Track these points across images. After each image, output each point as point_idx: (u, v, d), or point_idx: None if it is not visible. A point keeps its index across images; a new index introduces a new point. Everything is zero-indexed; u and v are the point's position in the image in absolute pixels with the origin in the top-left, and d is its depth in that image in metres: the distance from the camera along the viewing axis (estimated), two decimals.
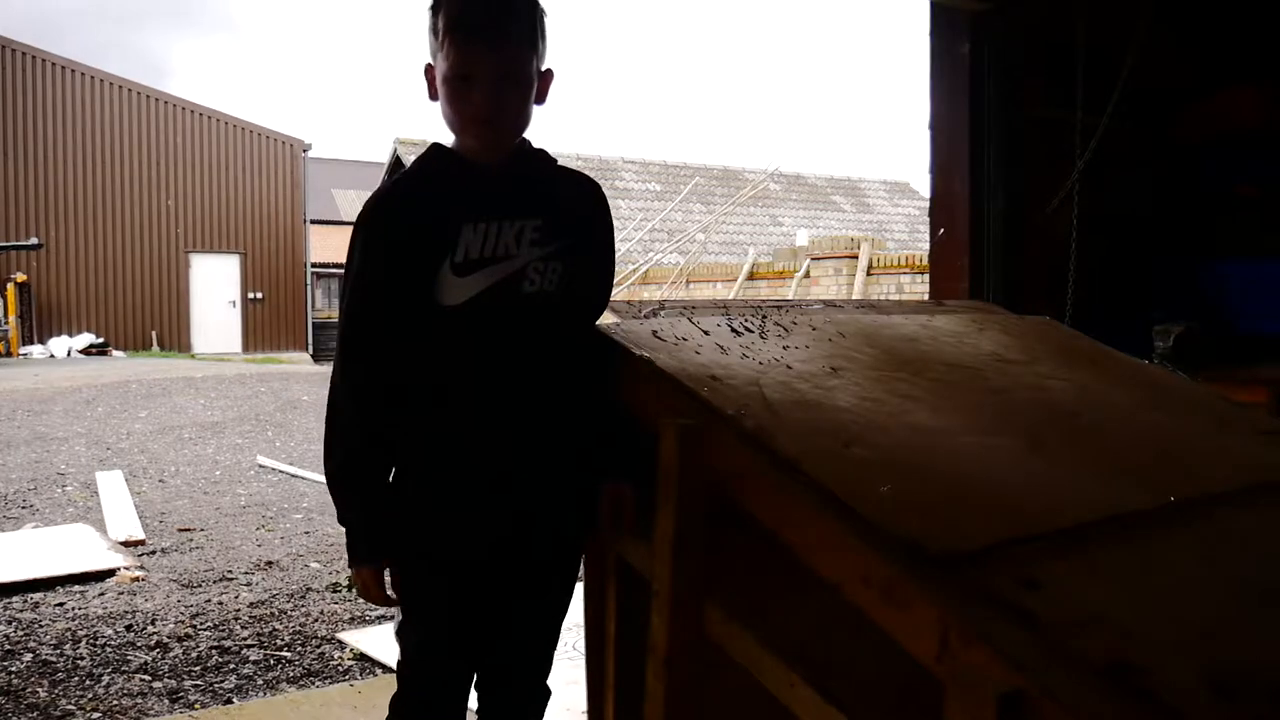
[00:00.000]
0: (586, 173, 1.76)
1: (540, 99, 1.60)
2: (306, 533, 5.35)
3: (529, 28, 1.55)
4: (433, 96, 1.59)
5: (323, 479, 1.67)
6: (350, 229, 1.66)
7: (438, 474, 1.58)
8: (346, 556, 1.64)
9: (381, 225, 1.56)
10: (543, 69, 1.59)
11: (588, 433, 1.67)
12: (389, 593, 1.63)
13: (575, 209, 1.66)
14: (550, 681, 1.79)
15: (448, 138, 1.63)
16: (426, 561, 1.61)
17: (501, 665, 1.74)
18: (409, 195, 1.59)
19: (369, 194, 1.68)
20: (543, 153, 1.66)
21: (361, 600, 4.09)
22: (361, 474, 1.58)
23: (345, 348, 1.58)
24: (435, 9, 1.55)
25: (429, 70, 1.59)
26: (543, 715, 1.79)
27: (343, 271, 1.63)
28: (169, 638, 3.62)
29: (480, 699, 1.76)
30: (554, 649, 1.79)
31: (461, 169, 1.59)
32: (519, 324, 1.58)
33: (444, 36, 1.52)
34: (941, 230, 3.75)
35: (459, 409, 1.58)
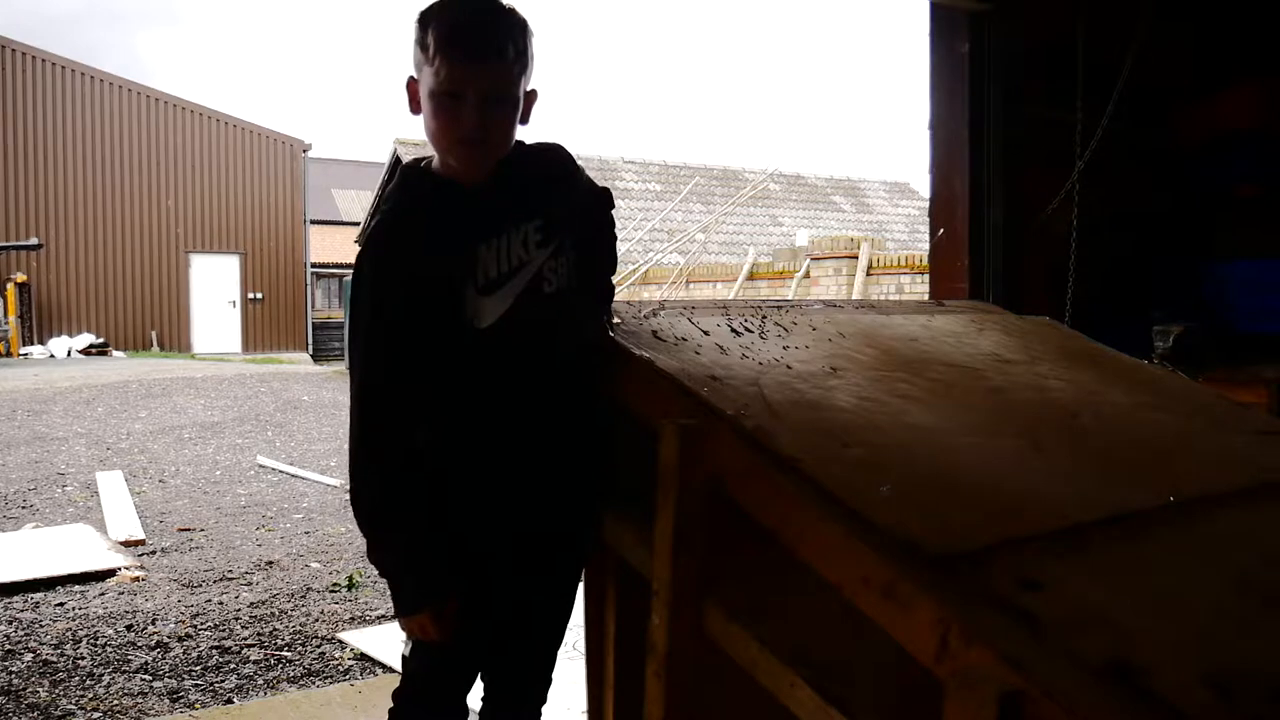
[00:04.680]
0: (586, 173, 1.75)
1: (525, 119, 1.59)
2: (306, 533, 5.35)
3: (520, 48, 1.53)
4: (415, 110, 1.57)
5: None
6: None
7: (472, 487, 1.58)
8: (396, 604, 1.58)
9: (398, 260, 1.52)
10: (528, 89, 1.57)
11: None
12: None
13: (560, 189, 1.65)
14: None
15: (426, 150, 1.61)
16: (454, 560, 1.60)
17: (510, 666, 1.76)
18: (417, 226, 1.55)
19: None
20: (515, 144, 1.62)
21: (362, 600, 4.09)
22: (408, 508, 1.53)
23: (373, 392, 1.53)
24: (424, 23, 1.52)
25: (412, 84, 1.56)
26: (543, 705, 1.81)
27: (352, 310, 1.57)
28: (169, 638, 3.62)
29: (486, 695, 1.78)
30: (558, 650, 1.81)
31: (453, 191, 1.57)
32: (546, 327, 1.59)
33: (435, 52, 1.49)
34: (941, 230, 3.75)
35: (494, 425, 1.57)
